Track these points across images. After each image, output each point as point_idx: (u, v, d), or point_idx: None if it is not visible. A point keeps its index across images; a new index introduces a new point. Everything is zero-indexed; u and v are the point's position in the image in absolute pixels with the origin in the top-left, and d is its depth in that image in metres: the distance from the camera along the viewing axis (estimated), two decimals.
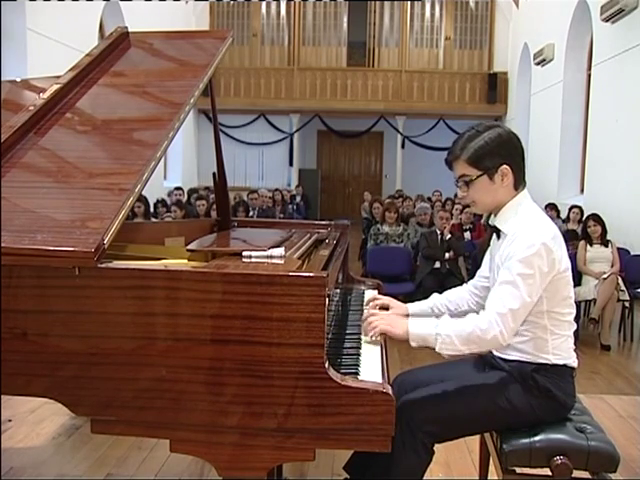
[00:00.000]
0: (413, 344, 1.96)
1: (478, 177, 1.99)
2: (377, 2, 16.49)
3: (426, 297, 2.37)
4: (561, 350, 1.98)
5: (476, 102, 16.17)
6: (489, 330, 1.86)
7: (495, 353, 2.09)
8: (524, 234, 1.90)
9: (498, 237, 2.07)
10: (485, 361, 2.18)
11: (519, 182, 2.02)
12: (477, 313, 1.98)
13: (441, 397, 1.96)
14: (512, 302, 1.87)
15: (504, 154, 1.97)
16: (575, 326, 2.05)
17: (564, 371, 2.00)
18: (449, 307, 2.28)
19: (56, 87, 2.27)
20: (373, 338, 2.02)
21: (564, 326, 1.99)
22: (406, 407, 1.92)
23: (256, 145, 17.28)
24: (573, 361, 2.02)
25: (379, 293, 2.59)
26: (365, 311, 2.21)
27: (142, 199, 7.14)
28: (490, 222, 2.11)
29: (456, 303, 2.29)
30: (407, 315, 2.24)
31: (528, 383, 1.96)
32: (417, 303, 2.34)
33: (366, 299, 2.47)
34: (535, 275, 1.87)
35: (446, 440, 2.00)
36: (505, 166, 1.97)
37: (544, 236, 1.89)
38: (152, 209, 8.05)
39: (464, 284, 2.37)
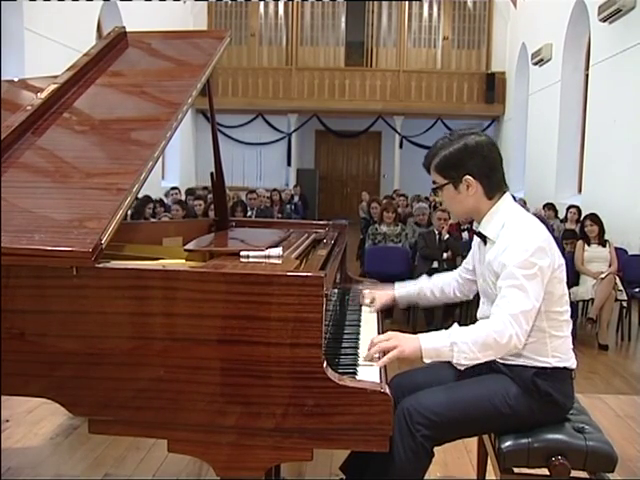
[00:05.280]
0: (427, 360, 1.89)
1: (444, 185, 2.05)
2: (375, 2, 16.48)
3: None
4: (560, 352, 1.98)
5: (474, 102, 16.17)
6: (504, 332, 1.84)
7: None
8: (517, 241, 1.91)
9: (485, 243, 2.07)
10: (484, 362, 2.18)
11: (491, 191, 2.02)
12: (460, 300, 2.00)
13: (441, 401, 1.95)
14: (522, 304, 1.86)
15: (467, 165, 1.99)
16: (572, 325, 2.05)
17: (564, 374, 2.00)
18: (434, 291, 2.37)
19: (53, 87, 2.26)
20: (380, 363, 1.86)
21: (562, 326, 1.99)
22: (406, 410, 1.91)
23: (254, 145, 17.26)
24: (572, 363, 2.02)
25: None
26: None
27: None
28: (474, 229, 2.13)
29: (442, 288, 2.36)
30: (393, 292, 2.41)
31: (529, 387, 1.96)
32: (404, 283, 2.42)
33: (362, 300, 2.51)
34: (537, 275, 1.87)
35: (446, 442, 2.00)
36: (468, 176, 1.99)
37: (537, 238, 1.91)
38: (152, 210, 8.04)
39: (453, 270, 2.43)
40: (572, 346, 2.05)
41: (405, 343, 1.89)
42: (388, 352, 1.87)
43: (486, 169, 2.00)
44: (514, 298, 1.87)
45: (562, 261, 1.99)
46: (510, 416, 1.96)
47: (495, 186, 2.02)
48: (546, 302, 1.94)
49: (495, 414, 1.95)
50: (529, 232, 1.93)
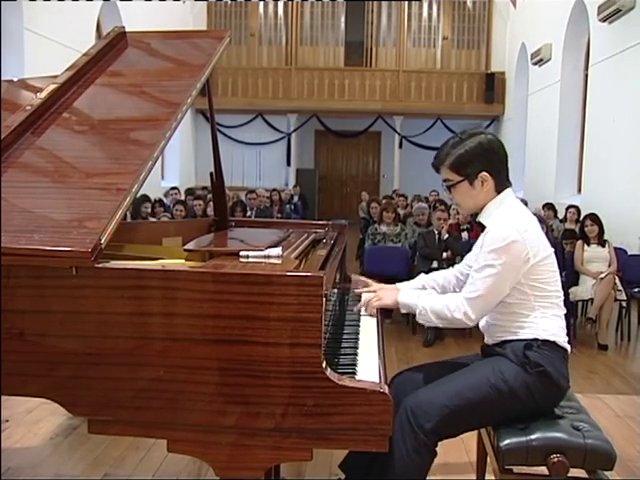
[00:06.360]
0: (403, 311, 2.28)
1: (459, 182, 2.14)
2: (375, 2, 16.48)
3: None
4: (550, 327, 2.06)
5: (473, 102, 16.18)
6: (455, 311, 2.05)
7: (489, 341, 2.18)
8: (497, 227, 2.03)
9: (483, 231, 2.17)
10: (482, 354, 2.22)
11: (500, 185, 2.14)
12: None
13: (441, 393, 1.98)
14: (480, 289, 2.01)
15: (483, 162, 2.10)
16: (564, 310, 2.14)
17: (555, 348, 2.05)
18: (436, 288, 2.44)
19: (53, 87, 2.26)
20: (370, 312, 2.33)
21: (552, 307, 2.08)
22: (408, 409, 1.93)
23: (254, 145, 17.26)
24: (564, 341, 2.08)
25: None
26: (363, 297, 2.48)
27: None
28: (477, 219, 2.23)
29: (443, 286, 2.43)
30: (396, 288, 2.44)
31: (521, 360, 2.02)
32: (407, 282, 2.50)
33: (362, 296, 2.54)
34: (504, 265, 1.98)
35: (448, 437, 2.01)
36: (484, 173, 2.10)
37: (514, 229, 2.00)
38: (149, 209, 8.04)
39: (451, 267, 2.51)
40: (565, 329, 2.12)
41: (386, 296, 2.31)
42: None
43: (498, 165, 2.13)
44: (474, 282, 2.04)
45: (548, 252, 2.08)
46: (508, 396, 1.99)
47: (504, 181, 2.15)
48: (532, 288, 2.05)
49: (493, 395, 1.98)
50: (510, 221, 2.03)
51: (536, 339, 2.03)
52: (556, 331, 2.07)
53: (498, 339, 2.12)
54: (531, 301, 2.05)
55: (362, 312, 2.37)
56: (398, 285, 2.46)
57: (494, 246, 1.99)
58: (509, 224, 2.01)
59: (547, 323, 2.05)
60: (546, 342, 2.04)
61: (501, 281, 2.00)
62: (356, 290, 2.56)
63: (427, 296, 2.19)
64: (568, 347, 2.10)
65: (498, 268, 1.98)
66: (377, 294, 2.35)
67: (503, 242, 1.98)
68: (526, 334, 2.05)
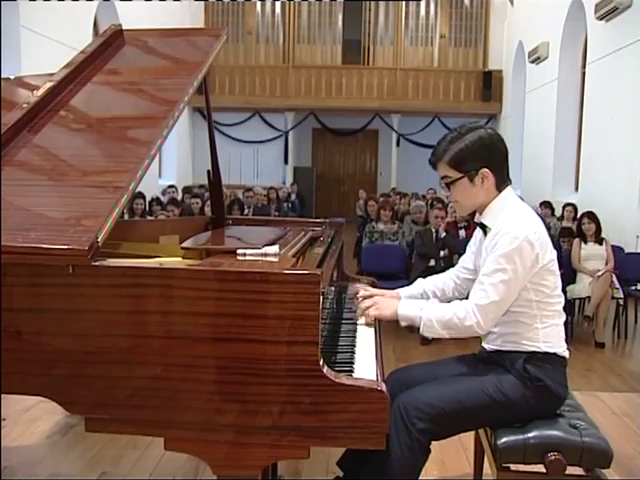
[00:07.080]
0: (402, 324, 2.12)
1: (459, 179, 2.04)
2: (372, 0, 16.48)
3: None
4: (551, 338, 2.02)
5: (471, 100, 16.17)
6: (466, 320, 1.95)
7: (487, 347, 2.14)
8: (507, 229, 1.94)
9: (485, 234, 2.09)
10: (479, 357, 2.20)
11: (501, 183, 2.05)
12: (457, 299, 2.10)
13: (436, 394, 1.97)
14: (492, 295, 1.93)
15: (485, 157, 2.01)
16: (564, 316, 2.09)
17: (555, 360, 2.03)
18: (436, 292, 2.35)
19: (50, 85, 2.26)
20: (368, 320, 2.18)
21: (554, 315, 2.04)
22: (402, 405, 1.93)
23: (251, 143, 17.23)
24: (564, 350, 2.06)
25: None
26: (360, 295, 2.30)
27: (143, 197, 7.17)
28: (476, 220, 2.14)
29: (442, 289, 2.35)
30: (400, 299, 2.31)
31: (521, 374, 1.99)
32: (407, 288, 2.40)
33: (359, 292, 2.50)
34: (516, 269, 1.91)
35: (442, 437, 2.01)
36: (485, 169, 2.01)
37: (526, 231, 1.93)
38: (147, 207, 8.05)
39: (448, 270, 2.41)
40: (564, 336, 2.09)
41: (385, 307, 2.14)
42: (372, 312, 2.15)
43: (500, 161, 2.04)
44: (485, 288, 1.94)
45: (554, 255, 2.02)
46: (505, 406, 1.98)
47: (505, 178, 2.07)
48: (537, 292, 1.99)
49: (490, 404, 1.97)
50: (520, 223, 1.96)
51: (536, 352, 2.00)
52: (556, 341, 2.04)
53: (497, 347, 2.09)
54: (534, 309, 2.00)
55: (360, 321, 2.22)
56: (399, 291, 2.37)
57: (505, 249, 1.91)
58: (520, 226, 1.94)
59: (548, 333, 2.01)
60: (546, 354, 2.00)
61: (513, 286, 1.93)
62: (357, 301, 2.29)
63: (431, 306, 2.05)
64: (567, 354, 2.07)
65: (510, 273, 1.91)
66: (375, 303, 2.18)
67: (515, 245, 1.90)
68: (526, 346, 2.01)
